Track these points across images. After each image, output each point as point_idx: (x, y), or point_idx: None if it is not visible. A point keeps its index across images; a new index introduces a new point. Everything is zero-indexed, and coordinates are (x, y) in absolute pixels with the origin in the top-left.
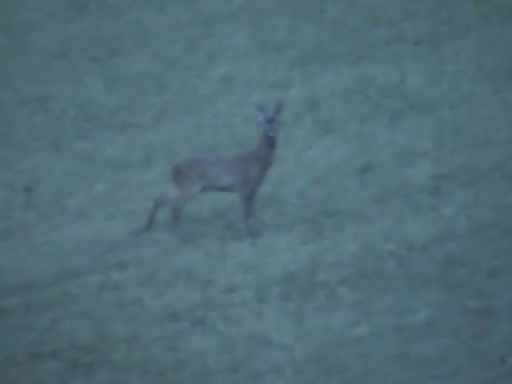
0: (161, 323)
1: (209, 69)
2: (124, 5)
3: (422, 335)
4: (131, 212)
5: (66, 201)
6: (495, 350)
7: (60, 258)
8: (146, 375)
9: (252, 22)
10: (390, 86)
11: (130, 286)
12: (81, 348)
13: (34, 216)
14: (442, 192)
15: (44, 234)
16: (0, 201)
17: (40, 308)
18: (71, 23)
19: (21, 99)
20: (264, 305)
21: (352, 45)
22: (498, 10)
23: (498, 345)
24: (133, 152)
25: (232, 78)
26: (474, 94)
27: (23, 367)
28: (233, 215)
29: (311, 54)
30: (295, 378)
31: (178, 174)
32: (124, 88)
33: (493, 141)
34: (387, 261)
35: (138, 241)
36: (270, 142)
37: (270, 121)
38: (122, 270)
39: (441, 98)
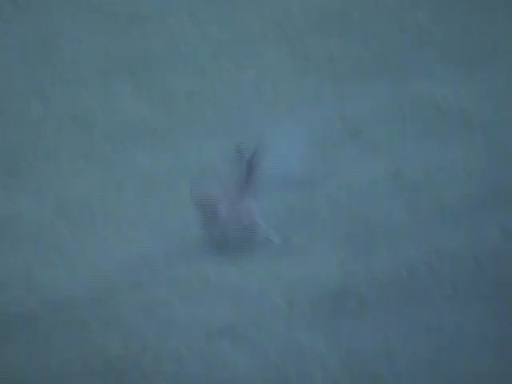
0: (197, 338)
1: (239, 77)
2: (156, 15)
3: (454, 344)
4: (173, 229)
5: (102, 218)
6: None
7: (102, 276)
8: None
9: (285, 37)
10: (428, 101)
11: (175, 302)
12: (126, 363)
13: (69, 231)
14: (476, 204)
15: (83, 250)
16: (47, 223)
17: (82, 325)
18: (112, 39)
19: (63, 116)
20: (295, 314)
21: (390, 61)
22: None
23: None
24: (163, 167)
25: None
26: None
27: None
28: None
29: (348, 72)
30: None
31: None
32: (157, 101)
33: None
34: (421, 271)
35: (185, 257)
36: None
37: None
38: (166, 287)
39: (484, 116)
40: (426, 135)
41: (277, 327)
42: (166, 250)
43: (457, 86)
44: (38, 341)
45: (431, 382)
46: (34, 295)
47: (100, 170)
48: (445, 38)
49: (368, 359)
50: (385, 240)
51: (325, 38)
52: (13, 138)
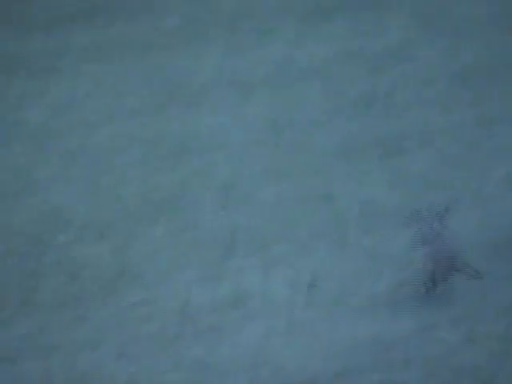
0: None
1: (491, 169)
2: (409, 103)
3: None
4: (412, 310)
5: (349, 299)
6: None
7: (341, 357)
8: None
9: None
10: None
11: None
12: None
13: (315, 313)
14: None
15: (325, 331)
16: (283, 297)
17: None
18: (354, 121)
19: (304, 196)
20: None
21: None
22: None
23: None
24: (411, 250)
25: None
26: None
27: None
28: None
29: None
30: None
31: None
32: (406, 187)
33: None
34: None
35: (421, 338)
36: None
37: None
38: (404, 369)
39: None
40: None
41: None
42: (416, 332)
43: None
44: None
45: None
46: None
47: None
48: None
49: None
50: None
51: None
52: None
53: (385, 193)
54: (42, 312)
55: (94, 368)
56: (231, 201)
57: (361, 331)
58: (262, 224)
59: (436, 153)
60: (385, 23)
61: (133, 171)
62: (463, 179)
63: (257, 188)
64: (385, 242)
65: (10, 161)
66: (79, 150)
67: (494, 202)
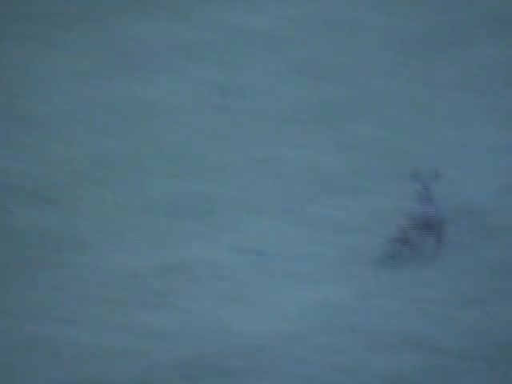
0: None
1: (437, 133)
2: (358, 69)
3: None
4: (359, 276)
5: (296, 265)
6: None
7: (287, 322)
8: None
9: (480, 88)
10: None
11: (357, 350)
12: None
13: (261, 280)
14: None
15: (273, 297)
16: (229, 264)
17: (264, 371)
18: (302, 87)
19: (251, 162)
20: (495, 373)
21: None
22: None
23: None
24: (360, 216)
25: (461, 143)
26: None
27: None
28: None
29: None
30: None
31: None
32: (354, 152)
33: None
34: None
35: (367, 303)
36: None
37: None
38: (350, 335)
39: None
40: None
41: None
42: (360, 299)
43: None
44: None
45: None
46: (226, 339)
47: (286, 220)
48: None
49: None
50: None
51: None
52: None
53: (332, 158)
54: None
55: (41, 332)
56: (179, 166)
57: (308, 297)
58: (209, 189)
59: (384, 119)
60: None
61: (81, 135)
62: (411, 145)
63: (205, 153)
64: (332, 208)
65: None
66: (28, 114)
67: (442, 169)
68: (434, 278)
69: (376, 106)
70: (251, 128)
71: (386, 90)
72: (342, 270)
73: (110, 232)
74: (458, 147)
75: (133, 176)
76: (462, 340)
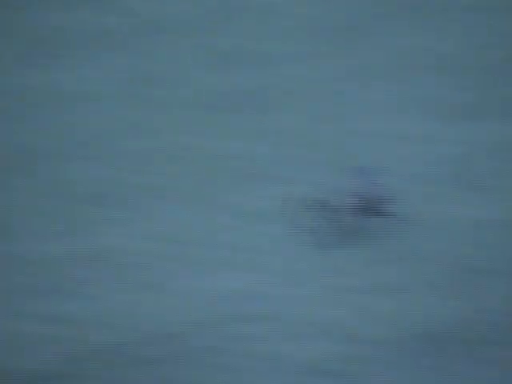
0: (300, 377)
1: (351, 122)
2: (269, 57)
3: None
4: (275, 265)
5: (209, 253)
6: None
7: (199, 310)
8: None
9: (400, 77)
10: None
11: (270, 338)
12: None
13: (175, 268)
14: None
15: (187, 285)
16: (142, 252)
17: (177, 359)
18: (215, 74)
19: (169, 150)
20: (407, 360)
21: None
22: None
23: None
24: (278, 205)
25: (374, 131)
26: None
27: None
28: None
29: (460, 110)
30: None
31: None
32: (271, 141)
33: None
34: None
35: (281, 294)
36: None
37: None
38: (262, 323)
39: None
40: None
41: (385, 372)
42: (275, 288)
43: None
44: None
45: None
46: (135, 327)
47: (193, 207)
48: None
49: None
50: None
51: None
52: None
53: (251, 147)
54: None
55: None
56: (96, 153)
57: (221, 285)
58: (125, 177)
59: (299, 107)
60: None
61: None
62: (326, 133)
63: (121, 141)
64: (251, 197)
65: None
66: None
67: (355, 160)
68: (350, 266)
69: (290, 95)
70: (170, 116)
71: (299, 79)
72: (257, 258)
73: (23, 220)
74: (372, 135)
75: (49, 164)
76: (378, 328)
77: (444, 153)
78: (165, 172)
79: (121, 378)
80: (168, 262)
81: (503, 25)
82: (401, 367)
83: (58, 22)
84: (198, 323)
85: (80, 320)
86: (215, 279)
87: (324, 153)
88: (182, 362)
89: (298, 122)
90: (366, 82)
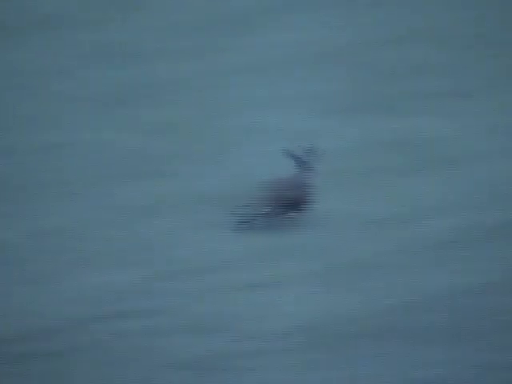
0: (170, 372)
1: (232, 118)
2: (150, 53)
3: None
4: (159, 259)
5: (97, 247)
6: None
7: (83, 305)
8: None
9: (272, 73)
10: (416, 138)
11: (141, 334)
12: None
13: (58, 262)
14: (459, 247)
15: (72, 280)
16: (24, 247)
17: (61, 354)
18: (93, 69)
19: (53, 144)
20: (288, 354)
21: (379, 96)
22: None
23: None
24: (147, 200)
25: (255, 127)
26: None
27: None
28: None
29: (334, 105)
30: None
31: None
32: (157, 135)
33: None
34: (402, 313)
35: (152, 290)
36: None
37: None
38: (132, 319)
39: (474, 152)
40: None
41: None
42: (146, 283)
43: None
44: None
45: None
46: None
47: (90, 198)
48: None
49: None
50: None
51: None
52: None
53: (137, 141)
54: None
55: None
56: None
57: (105, 279)
58: (11, 173)
59: (183, 101)
60: None
61: None
62: (210, 128)
63: (6, 135)
64: (138, 192)
65: None
66: None
67: (231, 153)
68: (243, 261)
69: (169, 89)
70: (54, 110)
71: (180, 74)
72: (148, 253)
73: None
74: (252, 131)
75: None
76: (265, 323)
77: (329, 147)
78: (52, 167)
79: None
80: (53, 257)
81: (402, 20)
82: (286, 361)
83: None
84: (82, 318)
85: None
86: (101, 274)
87: (209, 147)
88: (66, 357)
89: (187, 116)
90: (253, 78)
